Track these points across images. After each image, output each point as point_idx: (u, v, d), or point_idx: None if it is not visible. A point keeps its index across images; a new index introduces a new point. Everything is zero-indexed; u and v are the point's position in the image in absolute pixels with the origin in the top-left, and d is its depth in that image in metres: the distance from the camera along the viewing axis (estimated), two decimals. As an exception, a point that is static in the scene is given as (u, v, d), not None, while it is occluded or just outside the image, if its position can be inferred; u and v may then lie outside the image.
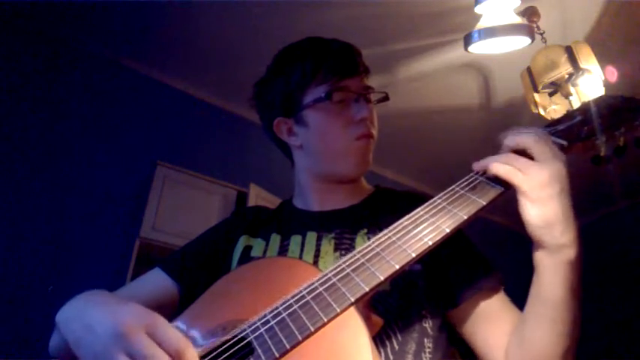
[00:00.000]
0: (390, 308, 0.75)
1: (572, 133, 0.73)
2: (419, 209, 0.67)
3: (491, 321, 0.78)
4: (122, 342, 0.53)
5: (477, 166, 0.69)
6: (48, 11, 2.39)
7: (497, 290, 0.80)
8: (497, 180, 0.67)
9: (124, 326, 0.54)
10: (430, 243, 0.62)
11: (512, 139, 0.68)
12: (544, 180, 0.62)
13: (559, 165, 0.64)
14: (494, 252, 1.07)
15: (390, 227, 0.66)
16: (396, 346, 0.73)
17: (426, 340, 0.76)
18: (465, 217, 0.64)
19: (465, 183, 0.69)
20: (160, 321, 0.56)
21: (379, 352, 0.71)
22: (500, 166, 0.65)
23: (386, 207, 0.87)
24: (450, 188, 0.69)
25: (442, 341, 0.78)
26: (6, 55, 2.38)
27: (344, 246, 0.83)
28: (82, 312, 0.63)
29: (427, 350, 0.75)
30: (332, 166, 0.90)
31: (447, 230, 0.63)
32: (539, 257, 0.66)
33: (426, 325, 0.77)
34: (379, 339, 0.72)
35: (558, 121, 0.76)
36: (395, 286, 0.77)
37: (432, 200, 0.68)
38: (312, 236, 0.87)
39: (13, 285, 2.11)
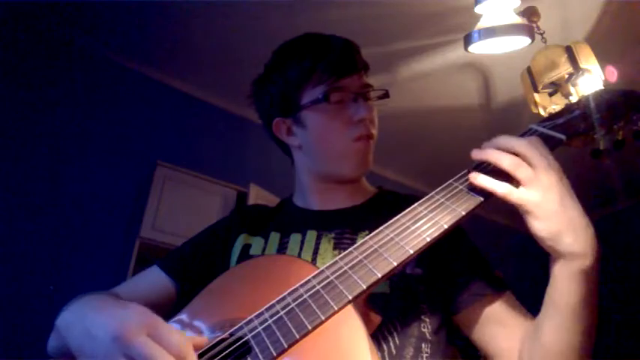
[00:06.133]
0: (390, 312, 0.74)
1: (571, 127, 0.72)
2: (417, 205, 0.66)
3: (499, 325, 0.76)
4: (123, 345, 0.52)
5: (477, 154, 0.67)
6: (48, 11, 2.39)
7: (501, 295, 0.78)
8: (496, 174, 0.65)
9: (124, 329, 0.53)
10: (428, 239, 0.62)
11: (508, 140, 0.65)
12: (543, 193, 0.61)
13: (555, 175, 0.62)
14: (493, 253, 1.07)
15: (388, 224, 0.65)
16: (394, 351, 0.72)
17: (423, 344, 0.75)
18: (464, 213, 0.64)
19: (464, 178, 0.68)
20: (161, 322, 0.55)
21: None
22: (498, 185, 0.63)
23: (389, 209, 0.87)
24: (449, 183, 0.68)
25: (441, 345, 0.77)
26: (6, 55, 2.38)
27: (344, 246, 0.82)
28: (82, 317, 0.62)
29: (425, 355, 0.74)
30: (331, 167, 0.89)
31: (446, 226, 0.63)
32: (554, 266, 0.64)
33: (425, 330, 0.76)
34: (376, 342, 0.71)
35: (557, 115, 0.76)
36: (395, 290, 0.76)
37: (429, 195, 0.67)
38: (312, 235, 0.86)
39: (13, 285, 2.11)
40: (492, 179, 0.64)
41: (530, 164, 0.63)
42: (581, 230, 0.62)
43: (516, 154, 0.64)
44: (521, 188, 0.63)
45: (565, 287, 0.64)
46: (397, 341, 0.73)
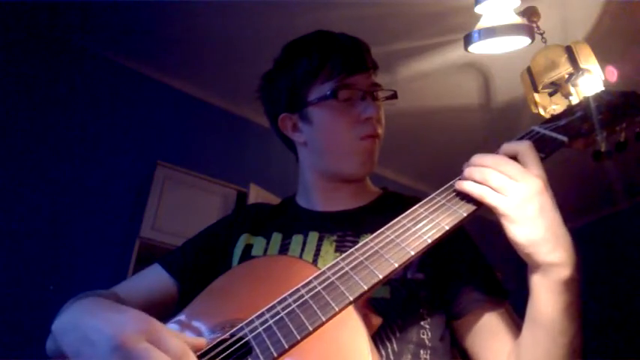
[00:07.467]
0: (389, 317, 0.73)
1: (573, 129, 0.72)
2: (417, 206, 0.66)
3: (491, 337, 0.76)
4: (125, 354, 0.51)
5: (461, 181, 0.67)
6: (47, 11, 2.39)
7: (499, 305, 0.78)
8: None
9: (122, 336, 0.52)
10: (429, 241, 0.62)
11: (483, 158, 0.65)
12: (521, 199, 0.60)
13: (535, 181, 0.61)
14: (494, 253, 1.07)
15: (389, 225, 0.65)
16: (392, 357, 0.72)
17: (422, 351, 0.74)
18: (465, 215, 0.64)
19: None
20: (159, 327, 0.54)
21: None
22: (475, 187, 0.64)
23: (393, 212, 0.86)
24: (450, 184, 0.68)
25: (441, 352, 0.76)
26: (6, 55, 2.38)
27: (346, 248, 0.80)
28: (78, 322, 0.60)
29: None
30: (336, 165, 0.88)
31: (447, 228, 0.63)
32: (532, 278, 0.63)
33: (424, 336, 0.75)
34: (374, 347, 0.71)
35: (559, 117, 0.75)
36: (395, 295, 0.76)
37: (430, 197, 0.67)
38: (313, 236, 0.85)
39: (13, 285, 2.11)
40: (472, 183, 0.64)
41: (509, 175, 0.62)
42: (559, 239, 0.61)
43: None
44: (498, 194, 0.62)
45: (544, 299, 0.62)
46: (395, 347, 0.73)
